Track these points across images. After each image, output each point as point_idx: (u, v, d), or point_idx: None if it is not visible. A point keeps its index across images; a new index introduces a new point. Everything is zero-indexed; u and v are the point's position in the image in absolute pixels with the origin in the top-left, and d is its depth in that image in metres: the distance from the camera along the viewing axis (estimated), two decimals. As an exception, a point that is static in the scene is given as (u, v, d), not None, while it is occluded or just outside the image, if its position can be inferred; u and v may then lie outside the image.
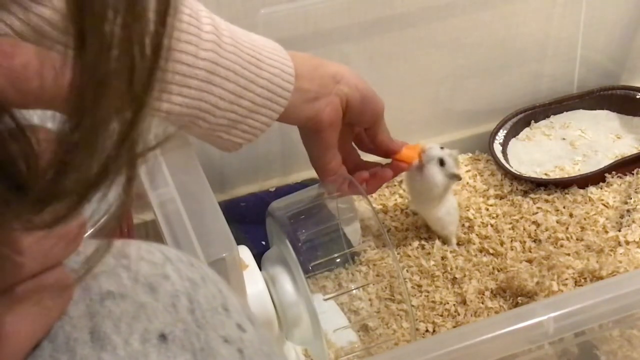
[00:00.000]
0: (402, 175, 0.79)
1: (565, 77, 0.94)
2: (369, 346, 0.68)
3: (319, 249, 0.67)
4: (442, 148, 0.72)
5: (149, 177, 0.49)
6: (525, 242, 0.78)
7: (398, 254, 0.78)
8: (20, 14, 0.43)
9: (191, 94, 0.52)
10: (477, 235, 0.79)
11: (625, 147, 0.88)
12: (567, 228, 0.79)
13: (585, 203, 0.82)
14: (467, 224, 0.80)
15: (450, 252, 0.77)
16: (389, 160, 0.72)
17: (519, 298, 0.71)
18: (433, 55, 0.86)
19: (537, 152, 0.90)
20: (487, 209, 0.82)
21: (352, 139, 0.69)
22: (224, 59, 0.53)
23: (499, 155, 0.88)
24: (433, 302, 0.73)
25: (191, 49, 0.51)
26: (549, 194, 0.83)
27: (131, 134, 0.21)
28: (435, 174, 0.71)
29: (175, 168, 0.52)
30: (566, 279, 0.71)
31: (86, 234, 0.64)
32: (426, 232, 0.80)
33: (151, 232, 0.90)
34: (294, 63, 0.59)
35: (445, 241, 0.79)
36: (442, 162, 0.71)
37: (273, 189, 0.84)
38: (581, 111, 0.93)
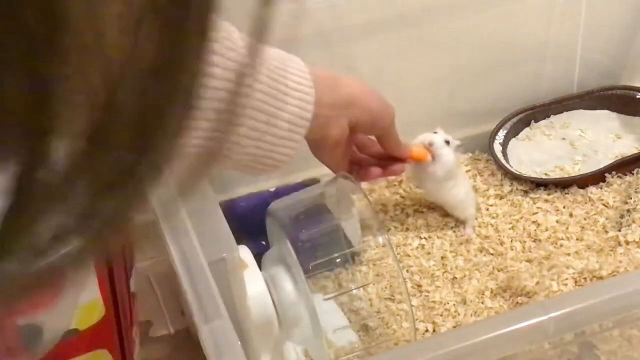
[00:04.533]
0: (403, 175, 0.80)
1: (565, 77, 0.94)
2: (369, 346, 0.68)
3: (319, 249, 0.67)
4: (435, 132, 0.74)
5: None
6: (525, 242, 0.78)
7: (398, 253, 0.78)
8: None
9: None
10: (477, 235, 0.79)
11: (626, 147, 0.88)
12: (567, 228, 0.79)
13: (585, 203, 0.82)
14: (467, 224, 0.80)
15: (450, 252, 0.77)
16: None
17: (519, 298, 0.71)
18: (433, 55, 0.86)
19: (537, 152, 0.90)
20: (487, 209, 0.82)
21: (354, 138, 0.69)
22: (257, 91, 0.52)
23: (499, 155, 0.88)
24: (433, 302, 0.73)
25: (229, 75, 0.48)
26: (549, 194, 0.83)
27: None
28: (450, 154, 0.74)
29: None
30: (566, 279, 0.71)
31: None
32: (426, 232, 0.80)
33: (151, 232, 0.90)
34: (314, 89, 0.58)
35: (465, 224, 0.80)
36: (447, 142, 0.74)
37: (273, 189, 0.84)
38: (581, 111, 0.93)
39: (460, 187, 0.77)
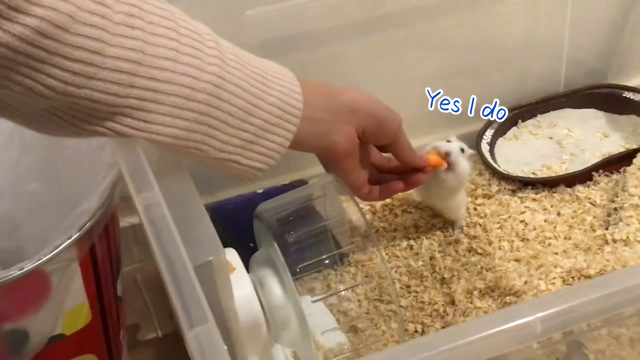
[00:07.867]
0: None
1: (552, 76, 0.94)
2: (358, 347, 0.68)
3: (307, 251, 0.67)
4: (448, 141, 0.74)
5: (133, 180, 0.49)
6: (513, 241, 0.78)
7: (386, 254, 0.78)
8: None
9: (200, 109, 0.50)
10: (465, 234, 0.79)
11: (612, 146, 0.89)
12: (554, 227, 0.79)
13: (573, 202, 0.82)
14: (455, 224, 0.80)
15: (439, 252, 0.77)
16: None
17: (507, 297, 0.71)
18: (421, 54, 0.86)
19: (524, 151, 0.90)
20: (475, 209, 0.82)
21: (370, 154, 0.68)
22: (230, 74, 0.51)
23: (487, 155, 0.88)
24: (422, 302, 0.73)
25: (195, 62, 0.49)
26: (536, 193, 0.83)
27: None
28: (466, 164, 0.74)
29: (161, 170, 0.51)
30: (554, 278, 0.72)
31: (71, 239, 0.63)
32: (414, 232, 0.80)
33: (138, 235, 0.90)
34: (305, 91, 0.57)
35: (454, 225, 0.80)
36: (462, 150, 0.74)
37: (261, 191, 0.84)
38: (568, 110, 0.94)
39: (460, 191, 0.77)
